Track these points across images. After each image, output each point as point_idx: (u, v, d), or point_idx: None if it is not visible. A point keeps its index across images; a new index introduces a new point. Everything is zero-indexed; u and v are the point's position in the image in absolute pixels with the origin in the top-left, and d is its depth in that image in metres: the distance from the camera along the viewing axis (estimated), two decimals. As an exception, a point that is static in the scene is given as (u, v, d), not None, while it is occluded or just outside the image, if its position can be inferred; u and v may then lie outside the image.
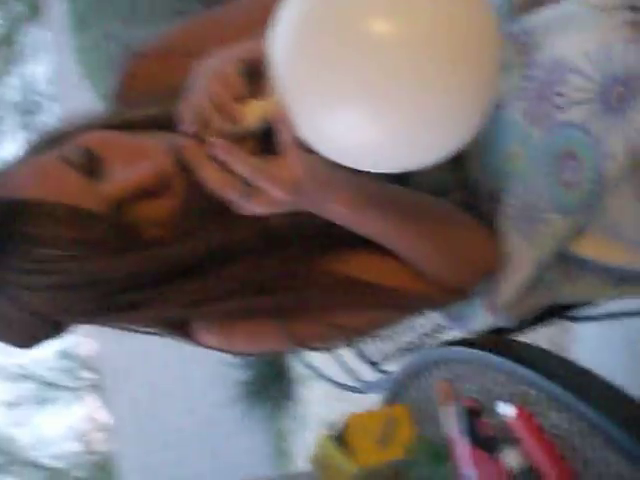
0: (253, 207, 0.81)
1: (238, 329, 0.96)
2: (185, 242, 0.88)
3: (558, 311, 1.20)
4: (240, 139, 0.79)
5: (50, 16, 7.50)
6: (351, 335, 1.03)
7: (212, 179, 0.80)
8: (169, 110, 0.88)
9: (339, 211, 0.88)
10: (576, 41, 0.88)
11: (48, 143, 0.92)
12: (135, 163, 0.85)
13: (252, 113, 0.78)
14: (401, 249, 0.96)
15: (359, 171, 0.81)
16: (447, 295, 1.00)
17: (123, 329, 0.99)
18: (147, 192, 0.85)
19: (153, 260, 0.87)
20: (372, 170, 0.78)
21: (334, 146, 0.75)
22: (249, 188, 0.80)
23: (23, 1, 11.73)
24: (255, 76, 0.79)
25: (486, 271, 1.00)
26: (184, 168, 0.83)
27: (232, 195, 0.80)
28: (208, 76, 0.80)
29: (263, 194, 0.80)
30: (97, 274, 0.84)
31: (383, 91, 0.69)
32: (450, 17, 0.69)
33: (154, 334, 0.99)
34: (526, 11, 0.98)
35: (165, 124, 0.91)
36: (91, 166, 0.84)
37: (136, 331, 0.98)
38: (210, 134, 0.78)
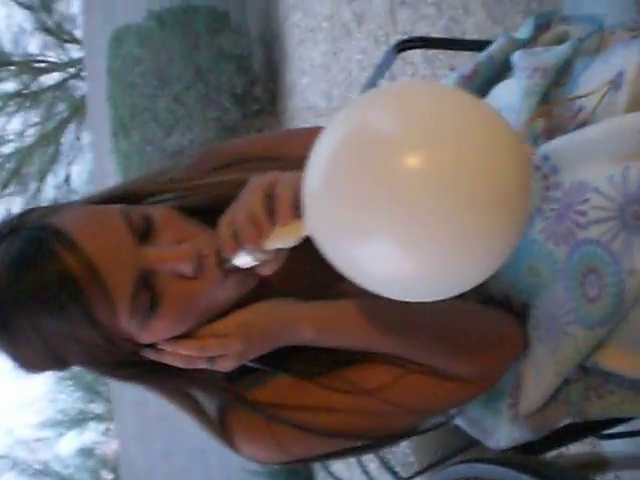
0: (222, 367, 0.90)
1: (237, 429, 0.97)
2: None
3: (590, 428, 1.18)
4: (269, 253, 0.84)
5: (92, 119, 7.75)
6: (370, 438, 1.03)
7: (177, 362, 0.89)
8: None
9: (311, 338, 0.93)
10: (600, 165, 0.91)
11: (103, 201, 0.94)
12: (181, 242, 0.87)
13: (281, 232, 0.81)
14: (410, 357, 0.97)
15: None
16: (476, 387, 1.00)
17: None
18: (180, 274, 0.86)
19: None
20: (401, 299, 0.77)
21: (362, 276, 0.75)
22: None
23: (66, 103, 12.16)
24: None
25: (514, 355, 1.01)
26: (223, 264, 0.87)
27: (201, 365, 0.89)
28: (250, 191, 0.84)
29: (222, 356, 0.89)
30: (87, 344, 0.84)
31: (412, 226, 0.67)
32: (483, 156, 0.68)
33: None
34: (545, 138, 1.03)
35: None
36: (146, 233, 0.86)
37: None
38: (236, 246, 0.83)
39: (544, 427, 1.03)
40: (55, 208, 0.90)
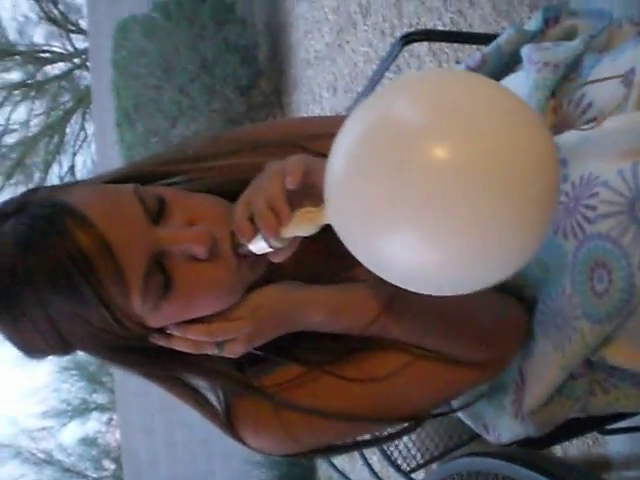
0: (231, 352, 0.88)
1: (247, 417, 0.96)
2: None
3: (592, 423, 1.19)
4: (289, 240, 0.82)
5: (96, 110, 7.74)
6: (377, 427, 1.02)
7: (186, 348, 0.87)
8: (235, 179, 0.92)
9: (321, 321, 0.91)
10: (609, 159, 0.92)
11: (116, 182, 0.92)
12: (194, 223, 0.85)
13: (300, 219, 0.80)
14: (421, 343, 0.96)
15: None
16: (485, 371, 1.00)
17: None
18: (193, 256, 0.84)
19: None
20: (421, 292, 0.74)
21: (384, 267, 0.73)
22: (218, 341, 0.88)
23: (71, 93, 12.16)
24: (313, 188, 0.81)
25: (520, 341, 1.01)
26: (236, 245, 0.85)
27: (209, 351, 0.87)
28: (270, 176, 0.82)
29: (231, 341, 0.87)
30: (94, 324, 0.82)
31: (438, 219, 0.65)
32: (512, 147, 0.65)
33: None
34: (553, 133, 1.02)
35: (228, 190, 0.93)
36: (158, 214, 0.84)
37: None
38: (253, 231, 0.82)
39: (548, 423, 1.02)
40: (63, 187, 0.88)
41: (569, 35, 1.18)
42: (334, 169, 0.73)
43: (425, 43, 3.13)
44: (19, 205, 0.84)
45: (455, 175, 0.64)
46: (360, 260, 0.74)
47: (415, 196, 0.65)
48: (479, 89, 0.70)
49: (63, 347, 0.85)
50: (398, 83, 0.75)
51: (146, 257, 0.81)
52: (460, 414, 1.15)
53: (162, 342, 0.88)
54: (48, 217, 0.80)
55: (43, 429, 11.98)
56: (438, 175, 0.64)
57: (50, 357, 0.88)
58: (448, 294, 0.74)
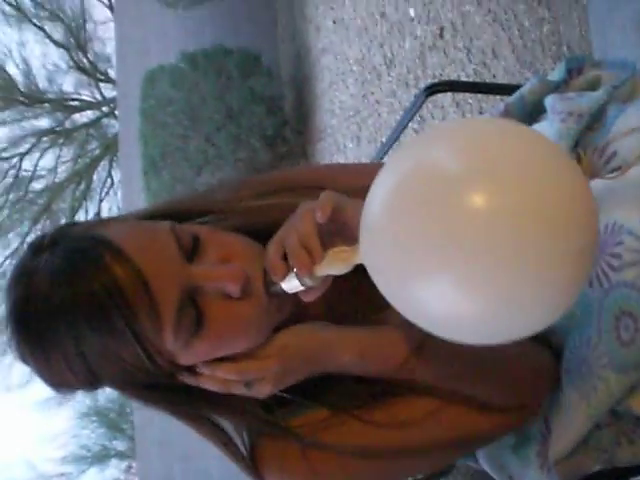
0: (259, 392, 0.88)
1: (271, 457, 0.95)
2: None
3: (617, 474, 1.17)
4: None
5: (123, 157, 7.85)
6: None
7: (214, 387, 0.87)
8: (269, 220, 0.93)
9: (349, 362, 0.91)
10: (634, 207, 0.92)
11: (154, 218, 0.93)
12: (227, 262, 0.86)
13: (333, 258, 0.80)
14: (452, 387, 0.95)
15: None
16: (516, 417, 0.98)
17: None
18: (226, 294, 0.84)
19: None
20: (453, 340, 0.73)
21: (416, 313, 0.72)
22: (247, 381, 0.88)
23: (99, 141, 12.36)
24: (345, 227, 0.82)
25: (551, 386, 1.00)
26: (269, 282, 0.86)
27: (238, 391, 0.87)
28: (302, 215, 0.83)
29: (259, 380, 0.87)
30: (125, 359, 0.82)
31: (470, 266, 0.64)
32: (550, 195, 0.65)
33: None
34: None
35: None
36: (193, 251, 0.84)
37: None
38: (286, 269, 0.82)
39: (574, 474, 1.00)
40: (99, 222, 0.89)
41: (592, 85, 1.19)
42: (369, 213, 0.73)
43: (449, 94, 3.15)
44: (54, 239, 0.85)
45: (491, 223, 0.64)
46: (392, 304, 0.74)
47: (451, 244, 0.65)
48: (516, 136, 0.70)
49: (92, 382, 0.85)
50: (434, 131, 0.75)
51: (179, 292, 0.81)
52: (485, 465, 1.14)
53: (191, 381, 0.87)
54: (85, 250, 0.81)
55: (62, 475, 11.93)
56: (474, 223, 0.64)
57: (78, 392, 0.88)
58: (482, 343, 0.73)
